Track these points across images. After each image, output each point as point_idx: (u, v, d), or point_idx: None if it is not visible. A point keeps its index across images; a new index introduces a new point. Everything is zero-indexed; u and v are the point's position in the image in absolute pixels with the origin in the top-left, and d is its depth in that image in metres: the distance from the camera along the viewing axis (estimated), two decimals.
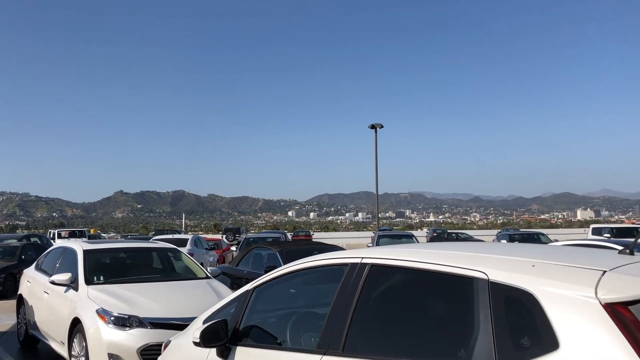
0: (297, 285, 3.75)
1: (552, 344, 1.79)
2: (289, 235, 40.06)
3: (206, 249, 20.97)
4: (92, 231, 50.01)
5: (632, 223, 68.30)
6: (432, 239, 37.77)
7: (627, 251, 2.23)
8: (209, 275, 8.17)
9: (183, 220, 79.51)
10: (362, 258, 2.78)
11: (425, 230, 64.07)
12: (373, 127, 46.47)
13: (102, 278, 7.40)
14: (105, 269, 7.83)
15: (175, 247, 9.04)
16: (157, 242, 9.88)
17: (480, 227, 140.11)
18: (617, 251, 2.29)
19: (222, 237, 39.73)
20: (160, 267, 8.50)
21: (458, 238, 34.98)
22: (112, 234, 67.16)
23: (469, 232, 48.33)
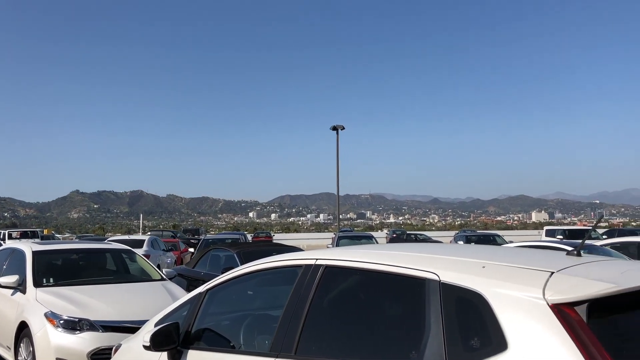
0: (252, 287, 3.70)
1: (501, 344, 1.80)
2: (249, 237, 39.74)
3: (163, 250, 20.57)
4: (45, 231, 48.47)
5: (584, 225, 70.58)
6: (391, 240, 38.11)
7: (575, 252, 2.27)
8: (164, 277, 8.02)
9: (141, 221, 77.76)
10: (317, 259, 2.75)
11: (385, 231, 64.60)
12: (334, 128, 46.65)
13: (52, 280, 7.17)
14: (56, 270, 7.59)
15: (129, 248, 8.85)
16: (111, 243, 9.64)
17: (438, 229, 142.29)
18: (566, 252, 2.33)
19: None
20: (113, 269, 8.30)
21: (417, 239, 35.43)
22: (67, 235, 65.27)
23: (428, 234, 48.99)
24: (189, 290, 8.17)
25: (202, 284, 3.63)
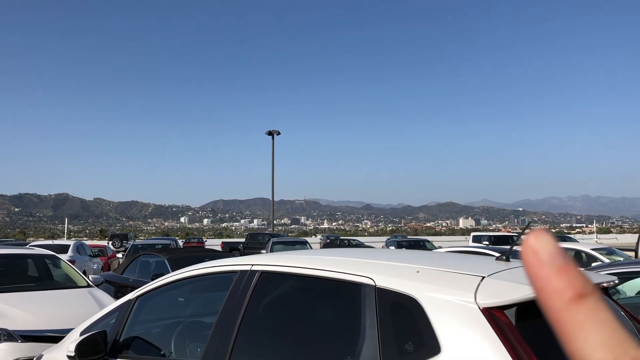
0: (185, 294, 3.62)
1: (435, 348, 1.84)
2: (180, 243, 38.90)
3: (90, 255, 19.82)
4: None
5: (508, 231, 73.55)
6: (325, 246, 38.34)
7: (504, 258, 2.35)
8: (91, 283, 7.73)
9: (66, 226, 74.39)
10: (252, 265, 2.72)
11: (319, 237, 64.92)
12: (270, 133, 46.60)
13: None
14: None
15: (53, 253, 8.46)
16: (34, 249, 9.17)
17: (371, 234, 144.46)
18: (495, 258, 2.41)
19: (108, 243, 37.76)
20: (36, 275, 7.90)
21: (350, 245, 35.83)
22: None
23: (360, 239, 49.54)
24: (117, 297, 7.90)
25: (131, 290, 3.53)
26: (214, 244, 49.62)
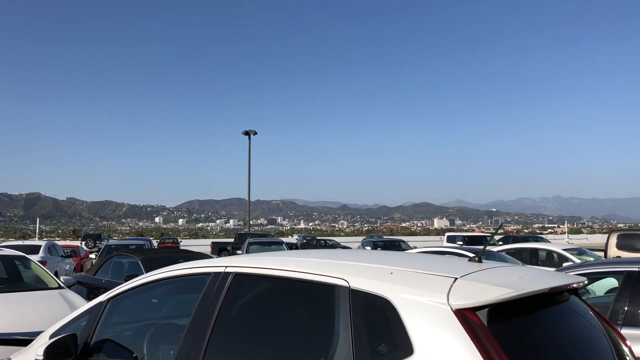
0: (157, 296, 3.57)
1: (408, 349, 1.85)
2: (155, 243, 38.49)
3: (62, 256, 19.47)
4: None
5: (482, 232, 74.52)
6: (301, 246, 38.34)
7: (477, 259, 2.37)
8: (62, 285, 7.59)
9: (37, 226, 73.09)
10: (226, 267, 2.70)
11: (295, 237, 64.80)
12: (247, 133, 46.41)
13: None
14: None
15: (23, 254, 8.30)
16: (2, 249, 8.98)
17: (347, 234, 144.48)
18: (468, 259, 2.43)
19: (81, 243, 37.17)
20: (4, 277, 7.74)
21: (326, 245, 35.93)
22: None
23: (337, 239, 49.64)
24: (89, 299, 7.78)
25: (104, 292, 3.47)
26: (189, 244, 49.21)
